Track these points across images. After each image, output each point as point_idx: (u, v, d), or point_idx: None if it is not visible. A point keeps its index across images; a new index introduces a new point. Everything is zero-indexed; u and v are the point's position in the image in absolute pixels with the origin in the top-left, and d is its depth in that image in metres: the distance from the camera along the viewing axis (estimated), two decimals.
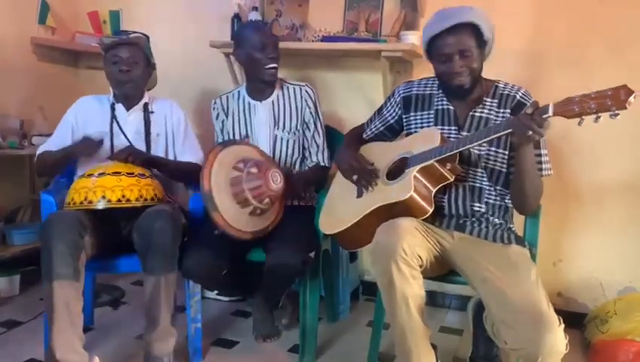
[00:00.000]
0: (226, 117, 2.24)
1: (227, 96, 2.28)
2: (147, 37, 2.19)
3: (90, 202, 1.82)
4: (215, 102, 2.28)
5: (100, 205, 1.82)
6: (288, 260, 1.86)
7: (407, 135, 1.89)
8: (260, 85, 2.18)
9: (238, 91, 2.27)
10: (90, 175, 1.88)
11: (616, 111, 1.29)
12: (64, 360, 1.70)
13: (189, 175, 2.17)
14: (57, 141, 2.12)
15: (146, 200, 1.88)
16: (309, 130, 2.22)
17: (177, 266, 1.87)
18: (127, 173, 1.88)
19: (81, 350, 1.75)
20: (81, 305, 1.78)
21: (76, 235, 1.77)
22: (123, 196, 1.83)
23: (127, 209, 1.85)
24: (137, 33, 2.15)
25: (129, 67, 2.08)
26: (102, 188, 1.82)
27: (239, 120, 2.22)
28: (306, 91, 2.21)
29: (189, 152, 2.21)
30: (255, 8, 2.57)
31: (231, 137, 2.23)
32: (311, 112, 2.21)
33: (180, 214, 1.97)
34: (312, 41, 2.52)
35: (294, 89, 2.23)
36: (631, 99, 1.27)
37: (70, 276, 1.73)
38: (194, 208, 2.10)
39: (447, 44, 1.63)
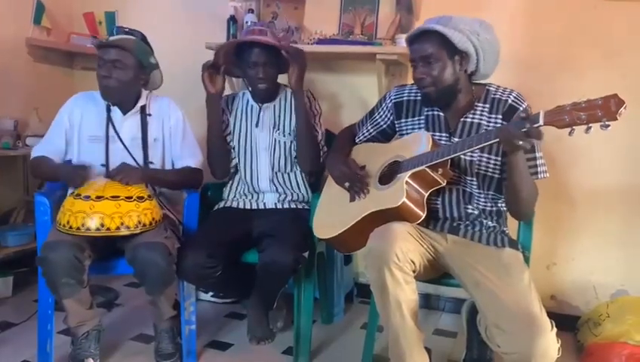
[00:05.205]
0: (229, 113, 2.27)
1: (233, 96, 2.32)
2: (143, 36, 2.11)
3: (88, 229, 1.76)
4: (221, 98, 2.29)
5: (98, 233, 1.78)
6: (280, 257, 1.88)
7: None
8: (254, 93, 2.23)
9: (244, 93, 2.31)
10: (87, 196, 1.80)
11: (607, 123, 1.28)
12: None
13: (188, 182, 2.17)
14: (50, 145, 2.08)
15: (144, 225, 1.84)
16: None
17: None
18: (125, 198, 1.82)
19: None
20: (88, 294, 1.89)
21: (76, 263, 1.79)
22: (122, 223, 1.79)
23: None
24: (131, 31, 2.07)
25: (109, 72, 1.97)
26: (100, 214, 1.77)
27: (241, 119, 2.26)
28: (307, 96, 2.24)
29: (187, 155, 2.17)
30: (251, 10, 2.58)
31: (234, 134, 2.25)
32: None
33: (173, 240, 1.94)
34: (308, 43, 2.51)
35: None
36: (622, 110, 1.26)
37: (77, 291, 1.84)
38: (189, 210, 2.11)
39: (412, 50, 1.69)
